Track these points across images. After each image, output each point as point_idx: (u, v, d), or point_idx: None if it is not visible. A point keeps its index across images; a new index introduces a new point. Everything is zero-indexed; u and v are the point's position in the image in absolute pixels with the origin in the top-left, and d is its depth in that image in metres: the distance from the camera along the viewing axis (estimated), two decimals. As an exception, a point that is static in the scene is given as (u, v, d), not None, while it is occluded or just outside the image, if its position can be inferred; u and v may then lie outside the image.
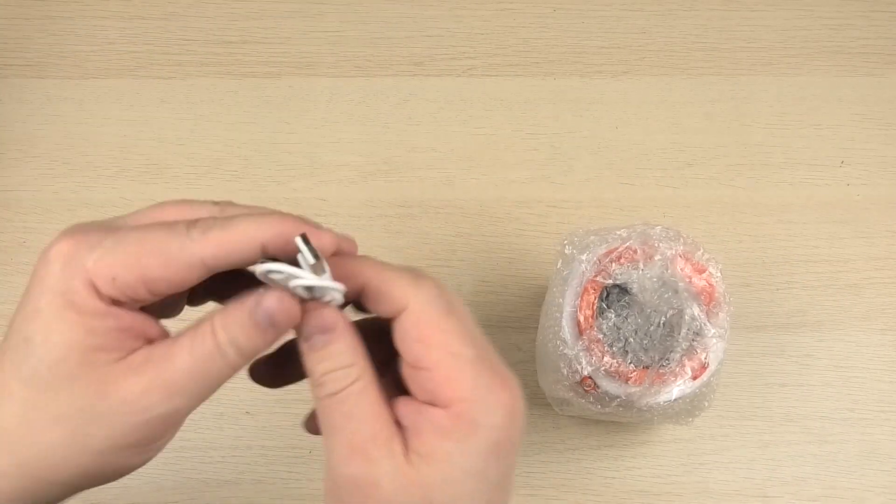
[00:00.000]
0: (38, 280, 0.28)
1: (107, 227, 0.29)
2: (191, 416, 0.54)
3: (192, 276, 0.28)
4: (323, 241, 0.28)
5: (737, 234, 0.59)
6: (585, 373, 0.44)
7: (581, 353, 0.44)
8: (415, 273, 0.30)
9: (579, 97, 0.63)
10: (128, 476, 0.54)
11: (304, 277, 0.28)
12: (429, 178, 0.61)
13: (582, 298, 0.45)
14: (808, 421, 0.55)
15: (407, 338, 0.29)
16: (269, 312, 0.27)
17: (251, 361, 0.30)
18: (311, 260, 0.28)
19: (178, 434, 0.53)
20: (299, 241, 0.28)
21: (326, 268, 0.28)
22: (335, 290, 0.29)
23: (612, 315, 0.45)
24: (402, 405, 0.30)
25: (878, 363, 0.56)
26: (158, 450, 0.30)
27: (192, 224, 0.28)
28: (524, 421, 0.29)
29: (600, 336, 0.44)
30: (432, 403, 0.29)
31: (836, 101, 0.63)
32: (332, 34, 0.65)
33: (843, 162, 0.61)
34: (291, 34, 0.64)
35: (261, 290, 0.28)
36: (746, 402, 0.55)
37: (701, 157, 0.61)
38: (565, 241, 0.47)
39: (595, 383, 0.44)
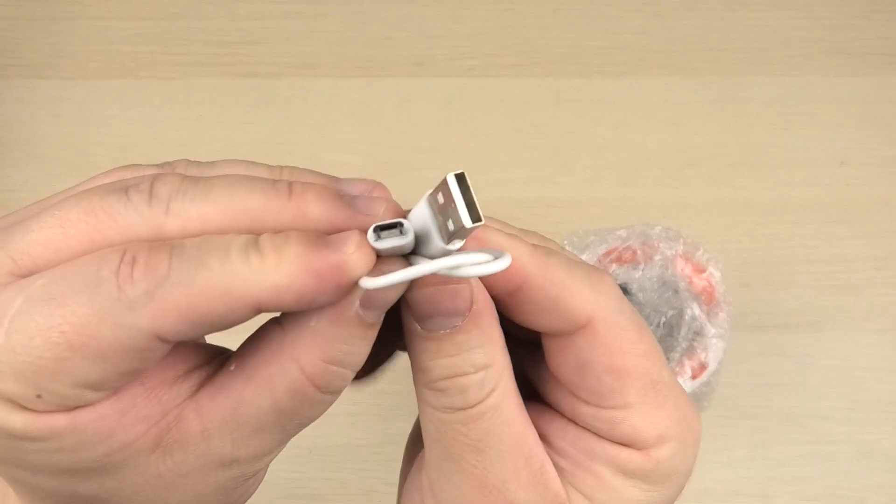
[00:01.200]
0: None
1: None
2: (191, 415, 0.54)
3: (150, 359, 0.19)
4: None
5: (737, 234, 0.59)
6: None
7: None
8: (591, 271, 0.21)
9: (579, 97, 0.63)
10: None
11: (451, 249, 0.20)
12: (429, 178, 0.60)
13: None
14: (808, 421, 0.55)
15: (591, 365, 0.21)
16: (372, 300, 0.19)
17: None
18: (466, 223, 0.19)
19: (179, 434, 0.54)
20: (453, 184, 0.20)
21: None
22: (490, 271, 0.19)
23: None
24: (555, 426, 0.22)
25: (878, 363, 0.56)
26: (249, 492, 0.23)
27: (128, 274, 0.18)
28: None
29: None
30: (610, 439, 0.22)
31: (836, 101, 0.63)
32: (333, 34, 0.65)
33: (843, 162, 0.61)
34: (292, 34, 0.65)
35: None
36: (746, 402, 0.55)
37: (701, 157, 0.61)
38: (565, 241, 0.47)
39: None
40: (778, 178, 0.61)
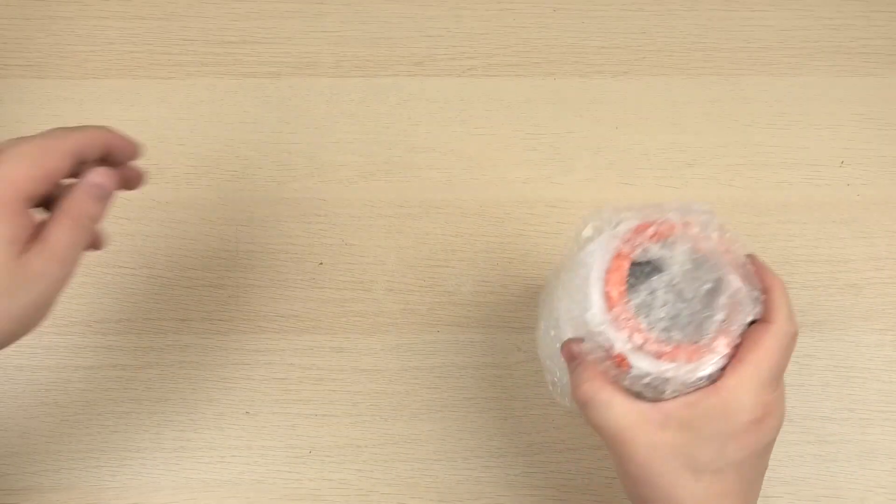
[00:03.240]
0: None
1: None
2: (191, 416, 0.54)
3: (69, 165, 0.39)
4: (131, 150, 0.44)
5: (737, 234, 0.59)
6: (618, 349, 0.41)
7: (611, 329, 0.41)
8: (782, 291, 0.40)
9: (579, 97, 0.63)
10: (128, 476, 0.54)
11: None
12: (429, 178, 0.61)
13: (612, 273, 0.42)
14: (808, 421, 0.55)
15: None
16: (97, 184, 0.40)
17: None
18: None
19: (178, 434, 0.53)
20: None
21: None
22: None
23: (643, 290, 0.42)
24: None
25: (878, 363, 0.56)
26: (48, 313, 0.38)
27: (57, 129, 0.39)
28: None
29: (632, 311, 0.42)
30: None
31: (836, 101, 0.63)
32: (333, 34, 0.65)
33: (843, 162, 0.61)
34: (292, 34, 0.65)
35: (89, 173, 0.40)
36: (746, 402, 0.55)
37: (701, 157, 0.61)
38: (588, 222, 0.45)
39: (628, 361, 0.41)
40: (778, 178, 0.61)
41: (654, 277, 0.43)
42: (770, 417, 0.38)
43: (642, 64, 0.64)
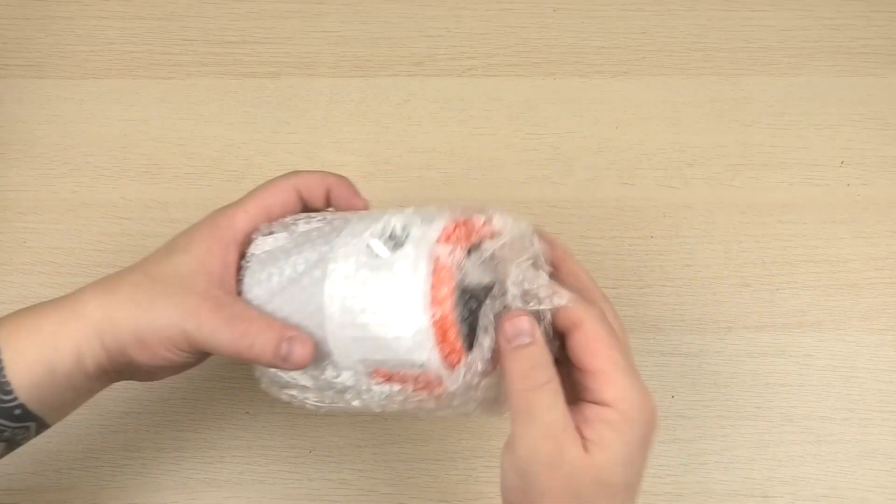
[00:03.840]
0: (200, 221, 0.41)
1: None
2: (191, 415, 0.54)
3: (291, 200, 0.42)
4: (353, 201, 0.44)
5: (737, 234, 0.59)
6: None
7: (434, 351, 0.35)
8: (583, 298, 0.38)
9: (579, 97, 0.63)
10: (128, 476, 0.54)
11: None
12: (429, 178, 0.61)
13: (438, 283, 0.34)
14: (808, 421, 0.55)
15: (582, 348, 0.36)
16: (291, 352, 0.38)
17: None
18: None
19: (178, 434, 0.53)
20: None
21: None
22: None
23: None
24: (578, 406, 0.36)
25: (878, 363, 0.56)
26: (172, 352, 0.39)
27: (296, 171, 0.43)
28: (656, 426, 0.36)
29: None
30: (596, 402, 0.35)
31: (836, 101, 0.63)
32: (333, 34, 0.65)
33: (843, 162, 0.61)
34: (291, 34, 0.65)
35: (295, 329, 0.38)
36: (746, 402, 0.55)
37: (701, 157, 0.61)
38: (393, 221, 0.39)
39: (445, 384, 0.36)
40: (778, 178, 0.61)
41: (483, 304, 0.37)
42: (640, 476, 0.37)
43: (642, 64, 0.64)
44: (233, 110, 0.62)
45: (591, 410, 0.35)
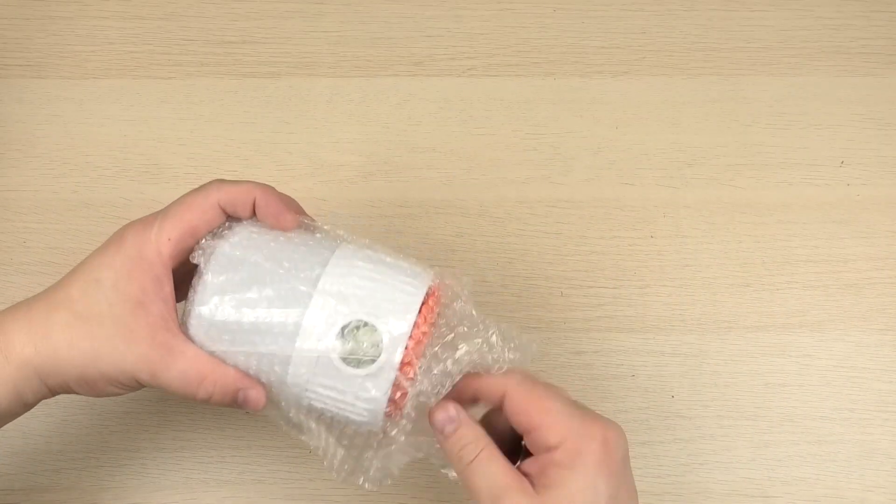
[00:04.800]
0: (115, 246, 0.39)
1: (157, 212, 0.40)
2: (191, 415, 0.54)
3: (217, 218, 0.40)
4: (282, 219, 0.40)
5: (737, 234, 0.59)
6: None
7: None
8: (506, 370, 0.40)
9: (579, 97, 0.63)
10: (128, 476, 0.54)
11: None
12: (429, 178, 0.61)
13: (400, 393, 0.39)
14: (808, 421, 0.55)
15: (513, 413, 0.38)
16: (247, 399, 0.39)
17: None
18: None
19: (178, 434, 0.53)
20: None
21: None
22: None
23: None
24: (529, 461, 0.38)
25: (878, 363, 0.56)
26: (120, 392, 0.40)
27: (212, 182, 0.40)
28: (622, 445, 0.37)
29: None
30: (546, 451, 0.37)
31: (836, 101, 0.63)
32: (332, 34, 0.65)
33: (843, 162, 0.61)
34: (291, 34, 0.64)
35: (247, 379, 0.39)
36: (746, 402, 0.55)
37: (701, 157, 0.61)
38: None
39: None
40: (778, 178, 0.61)
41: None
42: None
43: (642, 64, 0.64)
44: (233, 110, 0.62)
45: (542, 459, 0.37)
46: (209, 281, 0.38)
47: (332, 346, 0.37)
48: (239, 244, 0.39)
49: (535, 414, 0.38)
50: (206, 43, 0.64)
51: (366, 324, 0.38)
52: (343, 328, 0.38)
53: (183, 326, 0.39)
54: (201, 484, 0.53)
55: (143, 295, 0.38)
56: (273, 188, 0.41)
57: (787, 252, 0.59)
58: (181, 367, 0.38)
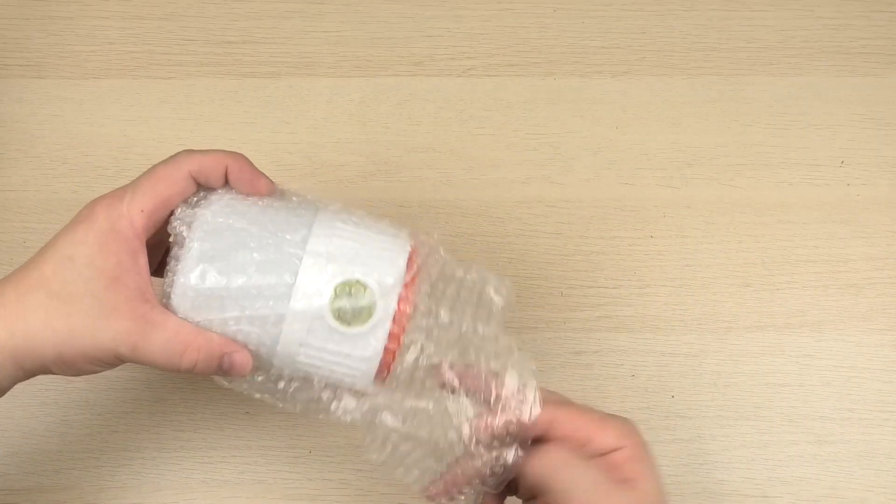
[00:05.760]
0: (86, 221, 0.38)
1: (126, 186, 0.40)
2: (191, 415, 0.54)
3: (189, 188, 0.40)
4: (257, 184, 0.41)
5: (737, 234, 0.59)
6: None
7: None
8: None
9: (579, 97, 0.63)
10: (128, 476, 0.54)
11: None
12: (429, 178, 0.61)
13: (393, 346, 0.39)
14: (808, 421, 0.55)
15: (566, 433, 0.39)
16: (232, 364, 0.39)
17: None
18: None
19: (178, 434, 0.53)
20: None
21: None
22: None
23: None
24: (602, 459, 0.39)
25: (878, 363, 0.56)
26: (100, 369, 0.39)
27: (181, 152, 0.41)
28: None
29: None
30: (609, 452, 0.39)
31: (836, 101, 0.63)
32: (332, 34, 0.65)
33: (843, 162, 0.61)
34: (291, 34, 0.64)
35: (232, 344, 0.39)
36: (746, 402, 0.55)
37: (701, 157, 0.61)
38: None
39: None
40: (778, 178, 0.61)
41: None
42: None
43: (642, 64, 0.64)
44: (233, 110, 0.62)
45: (613, 457, 0.38)
46: (195, 248, 0.38)
47: (327, 304, 0.38)
48: (220, 211, 0.39)
49: (584, 427, 0.39)
50: (206, 43, 0.64)
51: (357, 281, 0.38)
52: (335, 287, 0.38)
53: (165, 298, 0.39)
54: (201, 484, 0.53)
55: (118, 269, 0.37)
56: (243, 155, 0.41)
57: (787, 252, 0.59)
58: (164, 337, 0.37)
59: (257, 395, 0.41)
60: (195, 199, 0.40)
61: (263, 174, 0.41)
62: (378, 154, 0.61)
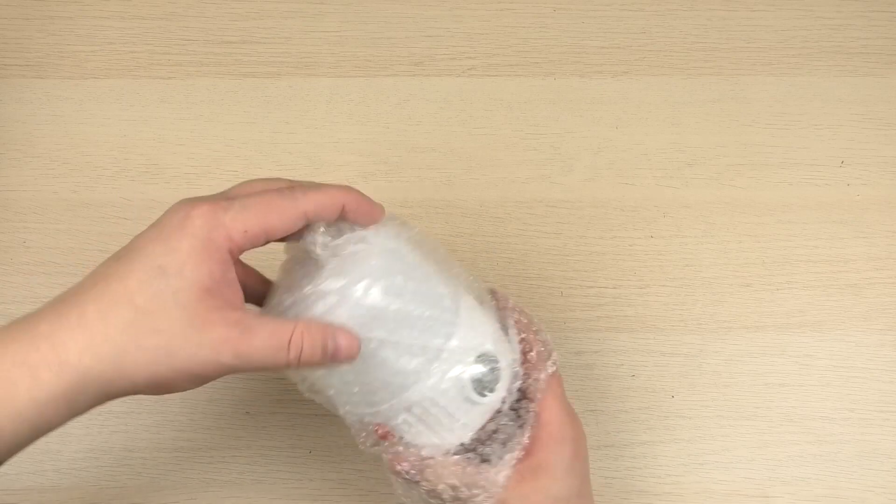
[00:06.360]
0: (179, 228, 0.35)
1: (227, 197, 0.37)
2: (191, 415, 0.54)
3: (297, 226, 0.37)
4: (374, 215, 0.40)
5: (737, 234, 0.59)
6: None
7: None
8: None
9: (579, 97, 0.63)
10: (128, 476, 0.54)
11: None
12: (429, 178, 0.61)
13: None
14: (808, 421, 0.55)
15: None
16: (338, 347, 0.37)
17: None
18: None
19: (179, 434, 0.53)
20: None
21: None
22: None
23: None
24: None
25: (878, 363, 0.56)
26: (196, 385, 0.36)
27: (295, 188, 0.38)
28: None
29: None
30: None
31: (836, 101, 0.63)
32: (333, 34, 0.65)
33: (843, 162, 0.61)
34: (291, 34, 0.65)
35: (334, 325, 0.37)
36: (746, 402, 0.55)
37: (701, 157, 0.61)
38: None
39: None
40: (778, 178, 0.61)
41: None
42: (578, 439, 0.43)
43: (642, 64, 0.64)
44: (233, 110, 0.62)
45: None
46: (372, 264, 0.38)
47: (471, 367, 0.39)
48: (390, 240, 0.40)
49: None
50: (206, 43, 0.64)
51: (492, 357, 0.40)
52: (479, 355, 0.40)
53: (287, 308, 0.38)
54: (201, 484, 0.53)
55: (210, 281, 0.35)
56: (356, 189, 0.40)
57: (787, 252, 0.59)
58: (265, 334, 0.35)
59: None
60: (325, 229, 0.39)
61: (376, 203, 0.40)
62: (378, 154, 0.61)
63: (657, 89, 0.63)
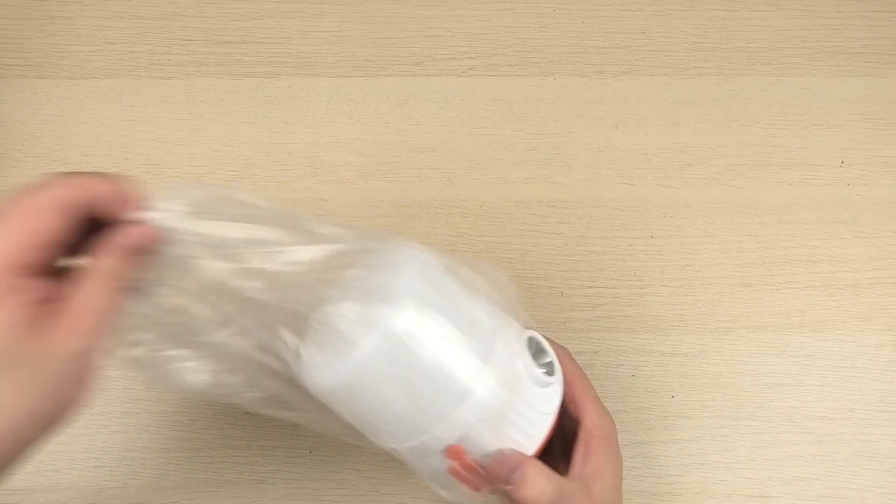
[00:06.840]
0: None
1: None
2: (191, 415, 0.54)
3: (62, 223, 0.33)
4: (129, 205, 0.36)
5: (737, 234, 0.59)
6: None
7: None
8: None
9: (579, 97, 0.63)
10: (128, 476, 0.54)
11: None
12: (429, 178, 0.61)
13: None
14: (808, 421, 0.55)
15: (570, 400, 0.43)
16: (132, 241, 0.35)
17: None
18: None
19: (178, 434, 0.53)
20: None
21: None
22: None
23: None
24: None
25: (878, 363, 0.56)
26: (81, 397, 0.34)
27: (44, 180, 0.34)
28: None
29: None
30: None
31: (836, 101, 0.63)
32: (333, 34, 0.65)
33: (843, 162, 0.61)
34: (291, 34, 0.65)
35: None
36: (746, 402, 0.55)
37: (701, 157, 0.61)
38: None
39: None
40: (778, 178, 0.61)
41: None
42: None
43: (642, 64, 0.64)
44: (233, 110, 0.62)
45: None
46: (405, 285, 0.36)
47: (525, 354, 0.40)
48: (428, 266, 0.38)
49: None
50: (206, 43, 0.64)
51: (537, 340, 0.41)
52: (529, 339, 0.41)
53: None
54: (201, 484, 0.53)
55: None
56: (111, 176, 0.36)
57: (787, 252, 0.59)
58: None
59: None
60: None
61: (134, 197, 0.37)
62: (378, 154, 0.61)
63: (657, 89, 0.63)
